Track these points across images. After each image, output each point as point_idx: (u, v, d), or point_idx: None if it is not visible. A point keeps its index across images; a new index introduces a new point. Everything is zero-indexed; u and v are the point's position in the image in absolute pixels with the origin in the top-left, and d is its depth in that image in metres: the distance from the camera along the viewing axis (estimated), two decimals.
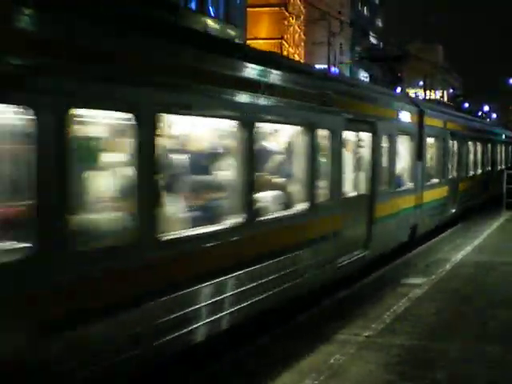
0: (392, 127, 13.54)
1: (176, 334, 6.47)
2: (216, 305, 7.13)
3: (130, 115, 5.90)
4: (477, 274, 12.56)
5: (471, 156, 23.15)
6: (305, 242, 9.33)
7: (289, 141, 9.69)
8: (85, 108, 5.50)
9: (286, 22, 58.09)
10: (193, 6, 35.59)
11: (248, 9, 47.24)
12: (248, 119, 7.76)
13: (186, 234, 6.75)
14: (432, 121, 17.05)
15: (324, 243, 9.99)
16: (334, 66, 53.88)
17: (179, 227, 6.74)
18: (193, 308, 6.72)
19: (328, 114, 10.13)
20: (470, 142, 22.76)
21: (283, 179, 9.39)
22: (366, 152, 12.15)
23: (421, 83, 73.95)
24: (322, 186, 10.03)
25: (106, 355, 5.62)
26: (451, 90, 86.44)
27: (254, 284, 7.88)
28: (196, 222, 7.09)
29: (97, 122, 6.02)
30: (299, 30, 62.76)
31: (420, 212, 15.65)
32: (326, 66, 47.03)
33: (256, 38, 48.98)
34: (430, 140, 17.16)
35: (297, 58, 54.04)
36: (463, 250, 15.32)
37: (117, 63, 5.77)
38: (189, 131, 7.67)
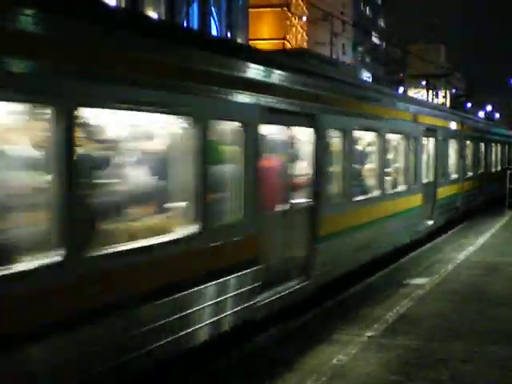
0: (445, 133, 18.72)
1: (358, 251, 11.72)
2: (371, 239, 12.29)
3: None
4: (479, 275, 12.52)
5: (493, 156, 28.02)
6: (406, 210, 14.41)
7: (396, 144, 14.53)
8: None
9: (288, 22, 58.12)
10: (195, 6, 35.51)
11: (250, 9, 47.08)
12: (382, 131, 12.88)
13: (358, 198, 11.83)
14: (468, 128, 22.13)
15: (412, 212, 14.95)
16: None
17: (356, 195, 11.79)
18: (361, 239, 11.76)
19: (414, 126, 15.27)
20: (492, 144, 27.60)
21: (393, 169, 14.35)
22: (431, 151, 17.27)
23: (423, 83, 73.83)
24: (411, 174, 15.03)
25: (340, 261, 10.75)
26: (453, 90, 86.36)
27: (387, 231, 13.16)
28: (358, 194, 11.96)
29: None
30: (302, 30, 62.79)
31: (461, 197, 20.61)
32: None
33: (258, 39, 48.98)
34: (466, 143, 21.97)
35: None
36: (466, 250, 15.33)
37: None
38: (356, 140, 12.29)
